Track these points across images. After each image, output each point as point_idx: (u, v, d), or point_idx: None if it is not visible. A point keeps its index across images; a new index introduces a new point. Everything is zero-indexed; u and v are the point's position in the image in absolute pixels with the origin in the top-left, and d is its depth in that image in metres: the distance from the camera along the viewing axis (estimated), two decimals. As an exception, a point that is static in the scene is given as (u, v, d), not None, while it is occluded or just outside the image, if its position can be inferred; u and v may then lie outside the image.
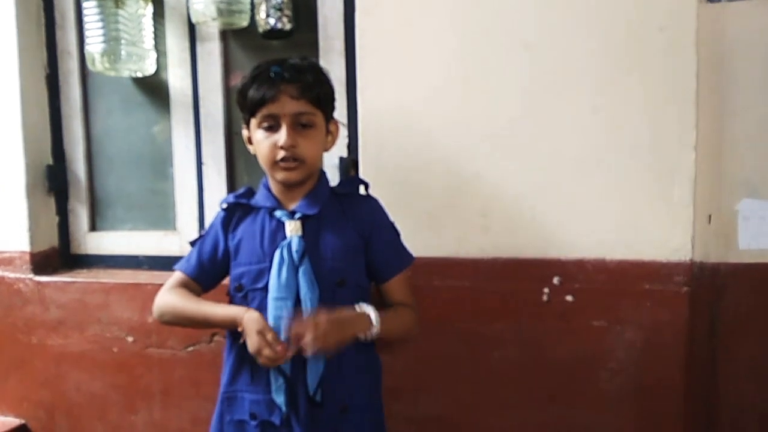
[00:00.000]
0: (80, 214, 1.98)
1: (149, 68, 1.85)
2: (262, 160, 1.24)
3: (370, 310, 1.19)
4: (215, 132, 1.82)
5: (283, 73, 1.19)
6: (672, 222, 1.34)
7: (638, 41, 1.34)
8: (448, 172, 1.47)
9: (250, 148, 1.29)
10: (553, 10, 1.39)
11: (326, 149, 1.31)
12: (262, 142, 1.22)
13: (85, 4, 1.76)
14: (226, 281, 1.34)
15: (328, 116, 1.28)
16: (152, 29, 1.83)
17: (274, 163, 1.21)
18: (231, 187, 1.82)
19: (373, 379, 1.32)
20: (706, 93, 1.34)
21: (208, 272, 1.31)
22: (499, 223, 1.45)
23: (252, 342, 1.13)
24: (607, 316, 1.39)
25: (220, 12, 1.64)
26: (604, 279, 1.38)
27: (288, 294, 1.19)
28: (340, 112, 1.48)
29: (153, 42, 1.83)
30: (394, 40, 1.50)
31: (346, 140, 1.65)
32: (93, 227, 1.99)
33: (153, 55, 1.84)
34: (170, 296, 1.28)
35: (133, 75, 1.87)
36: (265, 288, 1.21)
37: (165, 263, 1.79)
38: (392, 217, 1.34)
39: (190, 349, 1.72)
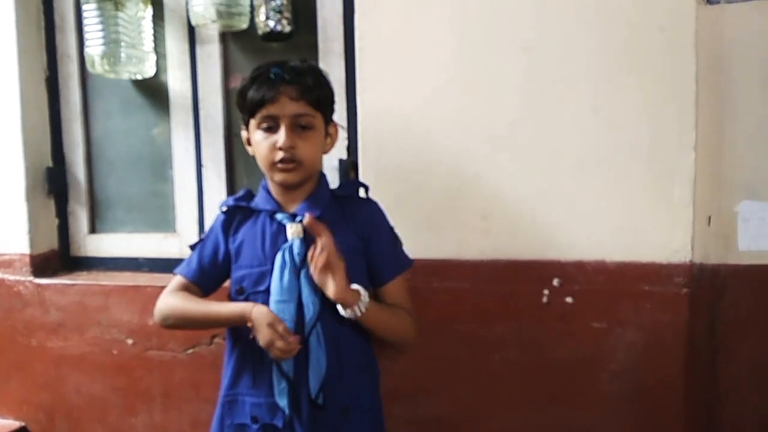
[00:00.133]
0: (80, 217, 1.98)
1: (149, 71, 1.85)
2: (261, 162, 1.24)
3: (362, 290, 1.19)
4: (215, 134, 1.82)
5: (283, 75, 1.19)
6: (672, 223, 1.34)
7: (637, 42, 1.34)
8: (447, 174, 1.47)
9: (249, 149, 1.29)
10: (552, 12, 1.39)
11: (325, 151, 1.31)
12: (260, 143, 1.22)
13: (84, 7, 1.76)
14: (226, 284, 1.35)
15: (328, 118, 1.28)
16: (152, 32, 1.83)
17: (273, 164, 1.21)
18: (231, 189, 1.82)
19: (372, 381, 1.32)
20: (705, 94, 1.34)
21: (208, 275, 1.31)
22: (499, 225, 1.45)
23: (263, 335, 1.13)
24: (607, 317, 1.39)
25: (220, 14, 1.64)
26: (604, 280, 1.38)
27: (290, 297, 1.19)
28: (340, 114, 1.48)
29: (153, 44, 1.84)
30: (393, 42, 1.50)
31: (346, 142, 1.65)
32: (93, 229, 1.99)
33: (152, 57, 1.84)
34: (172, 299, 1.28)
35: (133, 77, 1.87)
36: (267, 291, 1.21)
37: (165, 265, 1.79)
38: (392, 219, 1.34)
39: (190, 351, 1.72)
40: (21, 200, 1.88)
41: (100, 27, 1.74)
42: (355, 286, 1.18)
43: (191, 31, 1.81)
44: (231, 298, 1.28)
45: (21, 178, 1.88)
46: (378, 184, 1.46)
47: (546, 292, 1.42)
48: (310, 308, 1.19)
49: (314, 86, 1.22)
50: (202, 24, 1.69)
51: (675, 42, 1.31)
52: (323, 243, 1.14)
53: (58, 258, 1.97)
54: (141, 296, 1.73)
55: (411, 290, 1.34)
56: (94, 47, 1.76)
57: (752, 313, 1.40)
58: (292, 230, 1.23)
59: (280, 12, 1.64)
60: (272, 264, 1.21)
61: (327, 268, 1.14)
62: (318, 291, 1.19)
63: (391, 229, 1.32)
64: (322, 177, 1.32)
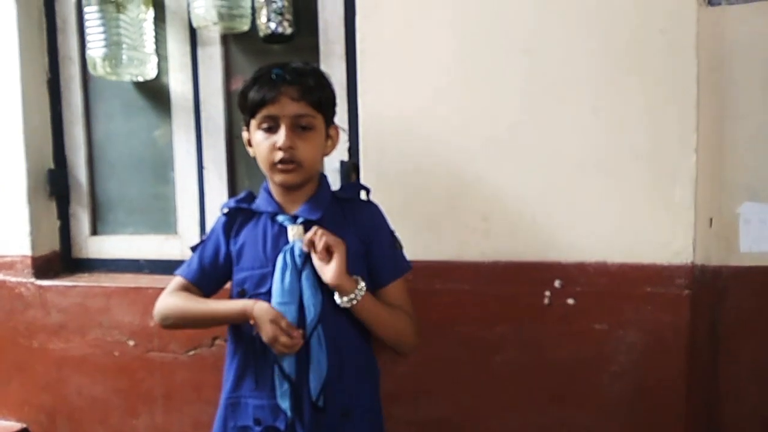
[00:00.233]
0: (81, 218, 1.98)
1: (150, 73, 1.85)
2: (261, 162, 1.24)
3: (360, 280, 1.20)
4: (216, 136, 1.83)
5: (285, 75, 1.20)
6: (673, 225, 1.34)
7: (638, 44, 1.34)
8: (448, 176, 1.47)
9: (250, 150, 1.29)
10: (553, 13, 1.39)
11: (326, 154, 1.31)
12: (261, 143, 1.22)
13: (86, 9, 1.76)
14: (227, 286, 1.35)
15: (329, 120, 1.28)
16: (153, 34, 1.83)
17: (272, 165, 1.21)
18: (232, 191, 1.82)
19: (372, 383, 1.32)
20: (706, 96, 1.34)
21: (209, 277, 1.31)
22: (500, 227, 1.45)
23: (266, 332, 1.13)
24: (608, 319, 1.39)
25: (221, 16, 1.65)
26: (606, 282, 1.38)
27: (291, 299, 1.19)
28: (341, 116, 1.48)
29: (154, 46, 1.84)
30: (394, 44, 1.50)
31: (347, 144, 1.65)
32: (94, 231, 1.99)
33: (154, 59, 1.85)
34: (172, 299, 1.28)
35: (135, 79, 1.88)
36: (268, 293, 1.21)
37: (166, 267, 1.79)
38: (393, 221, 1.34)
39: (192, 352, 1.72)
40: (23, 202, 1.88)
41: (101, 29, 1.74)
42: (354, 277, 1.19)
43: (192, 33, 1.82)
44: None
45: (23, 179, 1.88)
46: (379, 185, 1.46)
47: (547, 293, 1.42)
48: (311, 310, 1.19)
49: (316, 87, 1.22)
50: (203, 26, 1.69)
51: (676, 44, 1.32)
52: (323, 230, 1.17)
53: (60, 260, 1.98)
54: (142, 298, 1.74)
55: (412, 292, 1.33)
56: (96, 49, 1.76)
57: (753, 315, 1.40)
58: (294, 232, 1.23)
59: (281, 14, 1.64)
60: (273, 266, 1.21)
61: (327, 252, 1.16)
62: (319, 293, 1.19)
63: (391, 232, 1.32)
64: (323, 179, 1.32)
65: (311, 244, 1.18)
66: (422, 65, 1.48)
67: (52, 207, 1.97)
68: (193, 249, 1.35)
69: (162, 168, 1.91)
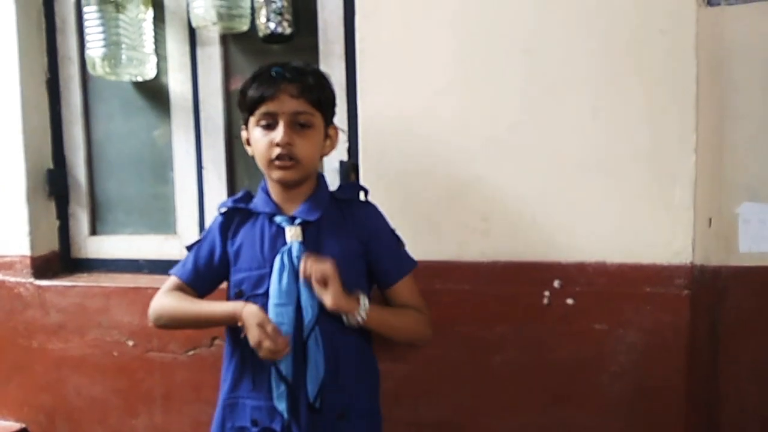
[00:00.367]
0: (81, 218, 1.98)
1: (149, 72, 1.85)
2: (259, 159, 1.24)
3: (362, 296, 1.19)
4: (215, 136, 1.82)
5: (285, 73, 1.20)
6: (672, 225, 1.34)
7: (638, 44, 1.34)
8: (448, 176, 1.47)
9: (248, 149, 1.29)
10: (553, 14, 1.39)
11: (324, 154, 1.31)
12: (259, 140, 1.22)
13: (85, 9, 1.76)
14: (223, 286, 1.35)
15: (328, 120, 1.28)
16: (152, 33, 1.83)
17: (270, 162, 1.21)
18: (231, 191, 1.82)
19: (371, 385, 1.31)
20: (706, 96, 1.34)
21: (203, 278, 1.31)
22: (500, 227, 1.45)
23: (252, 335, 1.13)
24: (608, 319, 1.39)
25: (221, 16, 1.64)
26: (605, 282, 1.38)
27: (289, 300, 1.18)
28: (340, 116, 1.48)
29: (153, 46, 1.84)
30: (394, 44, 1.50)
31: (347, 144, 1.65)
32: (93, 231, 1.99)
33: (153, 59, 1.84)
34: (166, 299, 1.28)
35: (134, 79, 1.87)
36: (266, 294, 1.21)
37: (165, 267, 1.76)
38: (393, 221, 1.34)
39: (191, 352, 1.72)
40: (22, 202, 1.88)
41: (100, 29, 1.74)
42: (357, 294, 1.19)
43: (192, 33, 1.82)
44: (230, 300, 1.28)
45: (22, 179, 1.88)
46: (378, 185, 1.46)
47: (547, 293, 1.42)
48: (308, 311, 1.18)
49: (315, 86, 1.22)
50: (202, 26, 1.69)
51: (675, 44, 1.32)
52: (311, 259, 1.15)
53: (59, 260, 1.97)
54: (141, 298, 1.73)
55: (419, 291, 1.33)
56: (95, 49, 1.76)
57: (753, 315, 1.40)
58: (291, 233, 1.22)
59: (280, 14, 1.64)
60: (271, 267, 1.21)
61: (322, 280, 1.14)
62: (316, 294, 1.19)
63: (392, 231, 1.32)
64: (321, 179, 1.32)
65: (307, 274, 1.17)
66: (422, 65, 1.48)
67: (52, 207, 1.97)
68: (189, 248, 1.35)
69: (161, 168, 1.91)
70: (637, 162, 1.35)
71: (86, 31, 1.77)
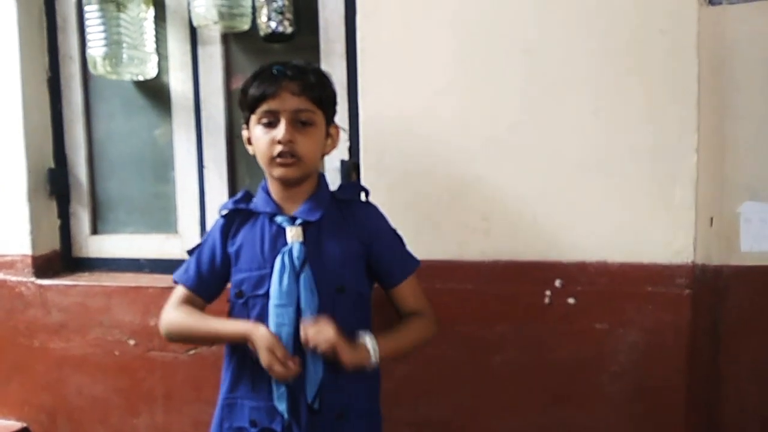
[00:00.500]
0: (82, 218, 1.98)
1: (151, 72, 1.85)
2: (260, 157, 1.23)
3: (367, 341, 1.18)
4: (216, 135, 1.82)
5: (286, 71, 1.20)
6: (674, 224, 1.34)
7: (639, 44, 1.34)
8: (449, 176, 1.47)
9: (249, 148, 1.28)
10: (554, 14, 1.39)
11: (325, 153, 1.30)
12: (260, 138, 1.22)
13: (86, 8, 1.76)
14: (229, 286, 1.34)
15: (329, 119, 1.27)
16: (154, 33, 1.83)
17: (271, 159, 1.21)
18: (232, 190, 1.82)
19: (371, 385, 1.31)
20: (707, 96, 1.34)
21: (208, 283, 1.30)
22: (501, 226, 1.45)
23: (263, 358, 1.13)
24: (609, 318, 1.39)
25: (222, 15, 1.64)
26: (606, 281, 1.38)
27: (289, 301, 1.18)
28: (341, 115, 1.48)
29: (154, 45, 1.84)
30: (395, 43, 1.50)
31: (348, 143, 1.65)
32: (94, 230, 1.99)
33: (154, 58, 1.84)
34: (175, 314, 1.28)
35: (135, 78, 1.87)
36: (266, 295, 1.20)
37: (167, 266, 1.79)
38: (393, 221, 1.34)
39: (192, 352, 1.72)
40: (23, 201, 1.88)
41: (102, 28, 1.74)
42: (363, 339, 1.18)
43: (193, 32, 1.82)
44: (230, 301, 1.28)
45: (23, 179, 1.88)
46: (379, 185, 1.46)
47: (548, 293, 1.42)
48: (308, 312, 1.18)
49: (316, 84, 1.22)
50: (203, 25, 1.69)
51: (677, 43, 1.31)
52: (313, 328, 1.14)
53: (60, 259, 1.97)
54: (143, 297, 1.74)
55: (422, 291, 1.33)
56: (96, 48, 1.76)
57: (754, 314, 1.40)
58: (292, 233, 1.22)
59: (281, 13, 1.64)
60: (272, 267, 1.20)
61: (330, 349, 1.13)
62: (316, 295, 1.19)
63: (394, 231, 1.32)
64: (321, 178, 1.31)
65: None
66: (422, 65, 1.48)
67: (53, 206, 1.97)
68: (190, 252, 1.33)
69: (162, 167, 1.91)
70: (638, 161, 1.35)
71: (87, 30, 1.77)
